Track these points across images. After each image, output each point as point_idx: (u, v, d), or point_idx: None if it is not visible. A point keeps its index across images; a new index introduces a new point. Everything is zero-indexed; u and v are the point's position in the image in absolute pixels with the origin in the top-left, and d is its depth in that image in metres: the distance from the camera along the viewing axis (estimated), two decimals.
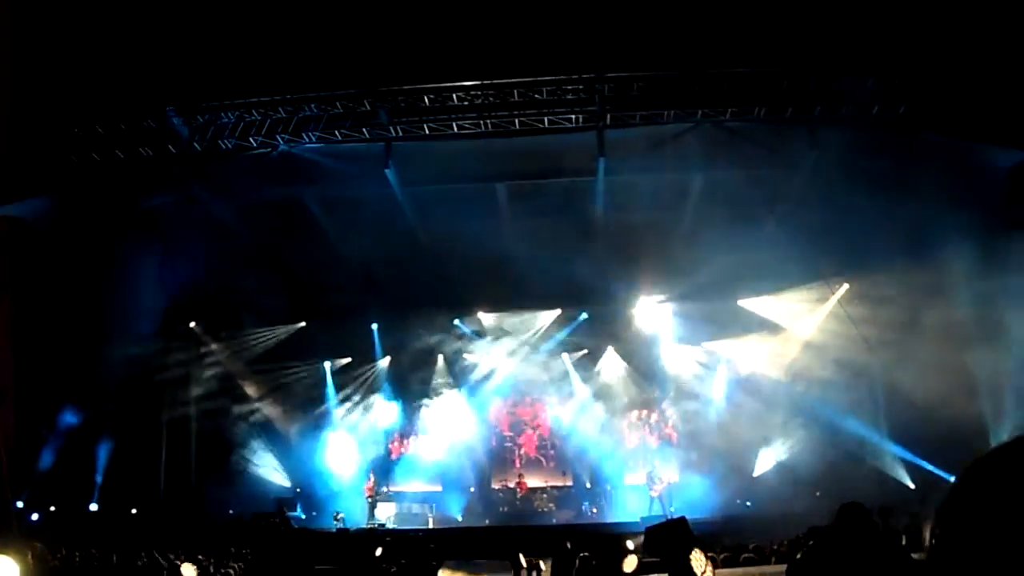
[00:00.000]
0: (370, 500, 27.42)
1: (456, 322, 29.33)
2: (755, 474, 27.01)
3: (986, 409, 21.86)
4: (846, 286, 25.65)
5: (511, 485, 29.12)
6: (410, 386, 30.45)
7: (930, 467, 23.73)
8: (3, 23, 17.99)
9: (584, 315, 29.08)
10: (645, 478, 27.15)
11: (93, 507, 25.43)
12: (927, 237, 20.55)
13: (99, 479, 25.42)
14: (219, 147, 22.74)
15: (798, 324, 26.85)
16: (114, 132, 22.25)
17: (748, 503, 26.39)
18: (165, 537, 19.60)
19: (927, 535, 1.80)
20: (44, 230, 22.97)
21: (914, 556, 6.09)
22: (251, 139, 22.53)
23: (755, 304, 26.92)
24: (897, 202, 20.87)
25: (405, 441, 30.76)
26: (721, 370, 28.53)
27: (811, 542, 11.60)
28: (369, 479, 28.04)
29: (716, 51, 19.83)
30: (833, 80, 20.80)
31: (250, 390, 29.12)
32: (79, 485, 24.87)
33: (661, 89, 21.24)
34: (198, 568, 12.42)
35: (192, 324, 28.12)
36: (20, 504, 23.44)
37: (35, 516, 23.48)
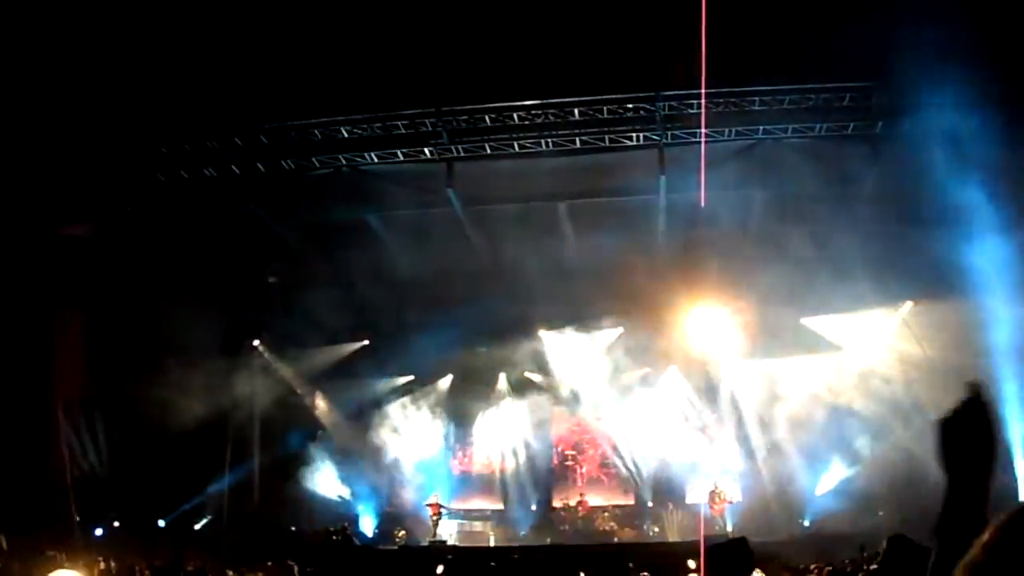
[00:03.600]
0: (432, 517, 27.49)
1: (518, 340, 29.30)
2: (817, 493, 26.68)
3: None
4: (910, 304, 25.28)
5: (572, 503, 29.07)
6: (472, 404, 30.58)
7: None
8: None
9: (646, 333, 28.81)
10: (707, 497, 26.95)
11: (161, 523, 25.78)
12: (999, 255, 20.16)
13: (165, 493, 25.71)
14: (282, 167, 23.05)
15: (862, 343, 26.48)
16: (178, 153, 22.67)
17: (808, 523, 26.06)
18: (228, 551, 19.82)
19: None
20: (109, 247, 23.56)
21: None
22: (313, 159, 22.80)
23: (819, 323, 26.61)
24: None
25: (467, 459, 30.88)
26: (784, 389, 28.20)
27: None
28: (431, 496, 28.12)
29: (775, 69, 19.73)
30: (895, 96, 20.57)
31: (313, 407, 29.37)
32: (145, 499, 25.17)
33: (721, 107, 21.17)
34: None
35: (255, 341, 28.38)
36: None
37: (99, 531, 23.61)
